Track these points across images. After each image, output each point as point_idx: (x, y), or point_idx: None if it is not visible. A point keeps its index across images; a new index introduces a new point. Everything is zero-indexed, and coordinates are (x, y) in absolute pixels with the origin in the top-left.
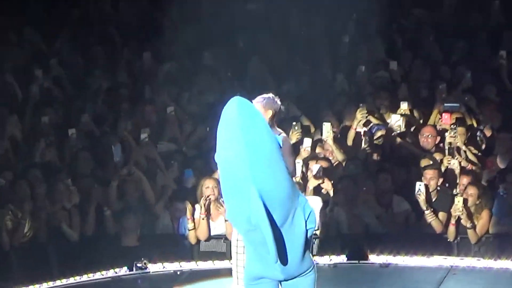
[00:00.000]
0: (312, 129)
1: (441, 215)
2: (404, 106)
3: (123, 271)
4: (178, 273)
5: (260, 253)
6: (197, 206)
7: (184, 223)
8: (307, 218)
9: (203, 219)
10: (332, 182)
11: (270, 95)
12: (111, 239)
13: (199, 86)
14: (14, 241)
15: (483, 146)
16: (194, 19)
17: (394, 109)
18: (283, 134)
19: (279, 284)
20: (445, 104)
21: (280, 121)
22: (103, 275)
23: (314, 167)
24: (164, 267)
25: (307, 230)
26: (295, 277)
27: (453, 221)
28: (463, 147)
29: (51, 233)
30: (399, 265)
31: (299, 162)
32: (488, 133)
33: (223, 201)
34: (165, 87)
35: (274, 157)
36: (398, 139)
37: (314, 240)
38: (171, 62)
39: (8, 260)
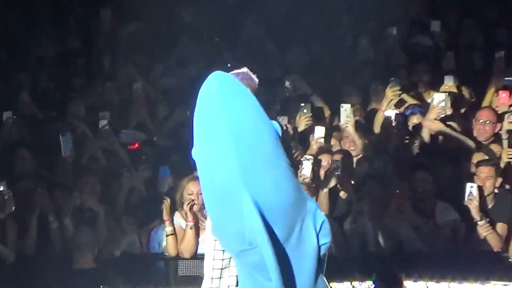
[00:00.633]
0: (327, 113)
1: (500, 226)
2: (449, 82)
3: None
4: None
5: (257, 280)
6: (177, 213)
7: (158, 236)
8: (319, 231)
9: (191, 228)
10: (353, 183)
11: (245, 69)
12: (59, 260)
13: (176, 55)
14: None
15: None
16: None
17: (437, 85)
18: None
19: None
20: (506, 79)
21: (284, 101)
22: None
23: (331, 163)
24: None
25: (319, 247)
26: None
27: None
28: None
29: None
30: None
31: (309, 159)
32: None
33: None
34: (130, 56)
35: (271, 152)
36: (442, 126)
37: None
38: (137, 21)
39: None
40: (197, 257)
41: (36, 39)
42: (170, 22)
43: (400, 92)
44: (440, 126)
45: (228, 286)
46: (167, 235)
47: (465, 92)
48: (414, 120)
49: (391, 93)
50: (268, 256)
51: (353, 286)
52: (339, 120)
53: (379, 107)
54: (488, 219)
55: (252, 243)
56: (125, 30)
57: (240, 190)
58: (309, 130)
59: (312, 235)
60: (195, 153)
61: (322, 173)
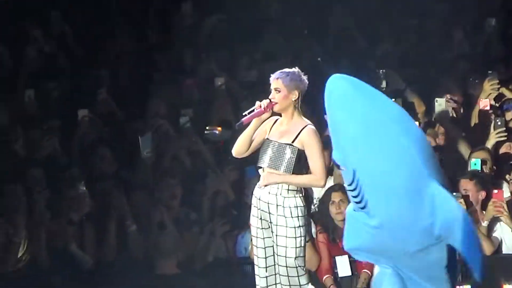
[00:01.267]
0: (421, 108)
1: None
2: None
3: None
4: None
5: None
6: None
7: (244, 241)
8: None
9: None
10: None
11: (296, 69)
12: (140, 266)
13: (261, 48)
14: (4, 268)
15: None
16: None
17: None
18: (311, 126)
19: None
20: None
21: None
22: None
23: None
24: None
25: None
26: None
27: None
28: None
29: (55, 257)
30: None
31: None
32: None
33: None
34: (212, 50)
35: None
36: None
37: None
38: (220, 14)
39: None
40: None
41: (115, 34)
42: (254, 14)
43: (498, 86)
44: None
45: None
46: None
47: None
48: (510, 116)
49: (489, 87)
50: (467, 242)
51: None
52: (433, 116)
53: (476, 102)
54: None
55: (441, 235)
56: (206, 24)
57: (428, 182)
58: None
59: None
60: (353, 161)
61: None
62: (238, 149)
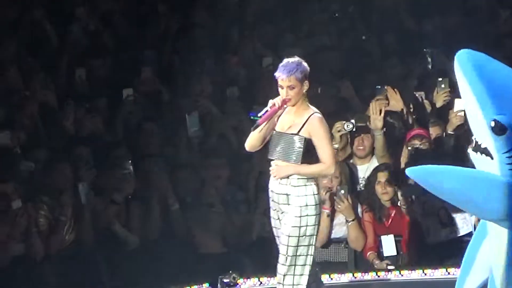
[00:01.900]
0: None
1: None
2: None
3: None
4: None
5: None
6: None
7: None
8: None
9: (328, 215)
10: None
11: (296, 58)
12: (183, 245)
13: (306, 26)
14: (50, 248)
15: None
16: None
17: None
18: (317, 114)
19: None
20: None
21: (421, 76)
22: None
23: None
24: (260, 283)
25: None
26: None
27: None
28: None
29: (100, 237)
30: None
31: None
32: None
33: (343, 195)
34: (257, 28)
35: None
36: None
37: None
38: None
39: (42, 275)
40: (332, 241)
41: (159, 12)
42: None
43: None
44: None
45: None
46: None
47: None
48: None
49: None
50: None
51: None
52: None
53: None
54: None
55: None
56: (251, 1)
57: None
58: (448, 105)
59: None
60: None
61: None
62: (252, 144)
